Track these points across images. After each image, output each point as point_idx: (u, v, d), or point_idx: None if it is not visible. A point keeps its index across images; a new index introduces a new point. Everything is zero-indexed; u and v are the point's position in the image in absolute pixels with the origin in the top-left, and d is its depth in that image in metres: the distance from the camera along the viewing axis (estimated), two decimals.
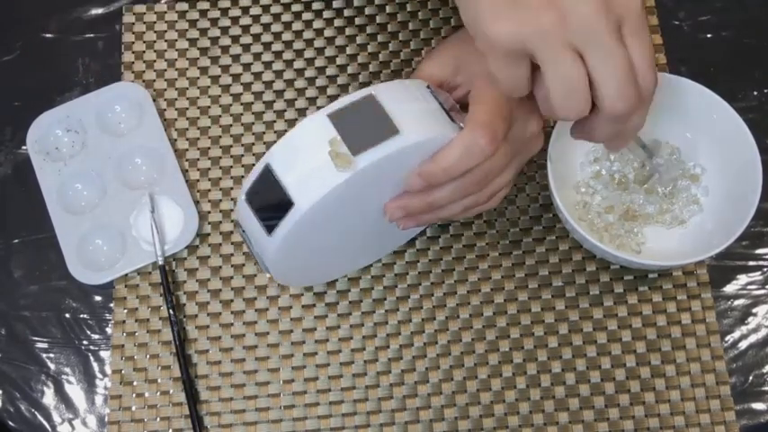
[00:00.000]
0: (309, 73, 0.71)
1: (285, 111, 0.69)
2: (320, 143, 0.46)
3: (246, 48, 0.71)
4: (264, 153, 0.66)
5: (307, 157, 0.47)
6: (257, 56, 0.71)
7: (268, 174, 0.48)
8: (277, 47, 0.71)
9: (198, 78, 0.70)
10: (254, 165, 0.68)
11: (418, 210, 0.53)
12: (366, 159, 0.46)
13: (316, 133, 0.47)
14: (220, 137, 0.69)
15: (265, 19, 0.72)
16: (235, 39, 0.72)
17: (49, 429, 0.62)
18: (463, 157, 0.49)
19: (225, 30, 0.72)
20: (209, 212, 0.67)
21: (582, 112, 0.44)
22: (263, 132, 0.69)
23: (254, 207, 0.49)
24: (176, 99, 0.70)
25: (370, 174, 0.47)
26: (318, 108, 0.69)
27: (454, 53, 0.55)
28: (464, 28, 0.58)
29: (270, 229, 0.49)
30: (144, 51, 0.71)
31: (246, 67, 0.71)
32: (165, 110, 0.70)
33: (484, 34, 0.42)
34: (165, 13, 0.73)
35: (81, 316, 0.65)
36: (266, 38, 0.72)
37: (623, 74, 0.42)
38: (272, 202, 0.48)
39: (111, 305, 0.65)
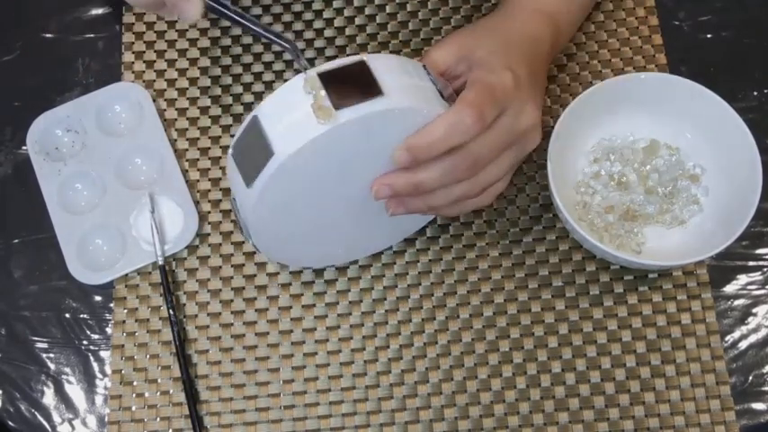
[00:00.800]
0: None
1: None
2: (306, 98, 0.48)
3: (247, 48, 0.71)
4: None
5: (292, 109, 0.48)
6: (257, 56, 0.71)
7: (255, 125, 0.49)
8: (277, 47, 0.71)
9: (198, 78, 0.70)
10: None
11: (405, 189, 0.53)
12: (347, 115, 0.47)
13: (304, 89, 0.48)
14: (220, 137, 0.69)
15: (266, 19, 0.72)
16: (235, 39, 0.72)
17: (49, 429, 0.62)
18: (448, 133, 0.50)
19: (225, 30, 0.72)
20: (209, 212, 0.67)
21: None
22: None
23: (238, 160, 0.50)
24: (176, 99, 0.70)
25: (352, 134, 0.48)
26: None
27: (459, 44, 0.56)
28: (471, 24, 0.59)
29: (250, 181, 0.49)
30: (144, 51, 0.71)
31: (246, 67, 0.71)
32: (165, 110, 0.70)
33: None
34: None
35: (81, 316, 0.65)
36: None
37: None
38: (255, 155, 0.49)
39: (111, 305, 0.65)
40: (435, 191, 0.54)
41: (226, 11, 0.50)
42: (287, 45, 0.52)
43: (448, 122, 0.50)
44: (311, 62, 0.70)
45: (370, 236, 0.62)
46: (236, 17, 0.50)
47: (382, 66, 0.49)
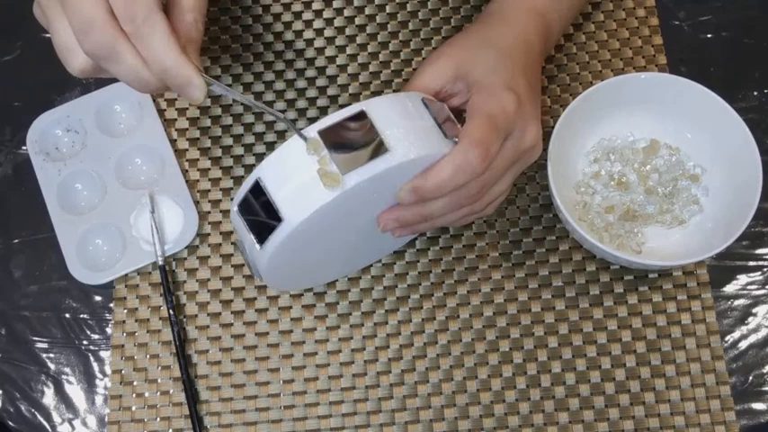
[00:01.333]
0: (310, 73, 0.71)
1: (285, 111, 0.69)
2: (310, 160, 0.46)
3: (247, 48, 0.71)
4: (265, 153, 0.66)
5: (296, 173, 0.47)
6: (258, 56, 0.71)
7: (258, 188, 0.48)
8: (278, 47, 0.71)
9: None
10: (254, 165, 0.68)
11: (412, 221, 0.53)
12: (355, 179, 0.46)
13: (306, 149, 0.47)
14: (220, 137, 0.69)
15: (266, 19, 0.72)
16: (235, 38, 0.72)
17: (49, 429, 0.62)
18: (454, 175, 0.49)
19: (225, 29, 0.72)
20: (209, 212, 0.67)
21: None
22: (264, 133, 0.69)
23: (246, 219, 0.50)
24: (176, 99, 0.70)
25: (360, 191, 0.47)
26: (318, 108, 0.69)
27: (454, 60, 0.54)
28: (463, 32, 0.58)
29: (260, 241, 0.49)
30: None
31: (247, 67, 0.71)
32: (164, 110, 0.70)
33: None
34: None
35: (81, 316, 0.65)
36: (267, 38, 0.72)
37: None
38: (262, 216, 0.48)
39: (111, 305, 0.65)
40: (442, 216, 0.54)
41: (227, 92, 0.49)
42: (280, 116, 0.50)
43: (454, 164, 0.49)
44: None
45: (371, 249, 0.63)
46: (238, 98, 0.50)
47: (383, 114, 0.48)
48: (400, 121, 0.48)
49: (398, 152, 0.47)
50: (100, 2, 0.44)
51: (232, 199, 0.67)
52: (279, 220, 0.47)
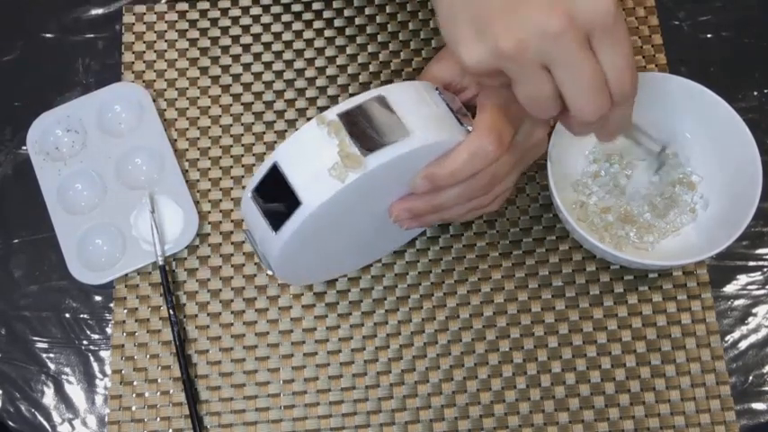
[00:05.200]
0: (309, 73, 0.71)
1: (285, 111, 0.69)
2: (329, 143, 0.46)
3: (247, 48, 0.71)
4: (265, 153, 0.66)
5: (315, 156, 0.47)
6: (257, 56, 0.71)
7: (275, 172, 0.48)
8: (277, 47, 0.71)
9: (198, 78, 0.70)
10: (254, 165, 0.68)
11: (423, 211, 0.53)
12: (376, 160, 0.46)
13: (324, 132, 0.47)
14: (220, 137, 0.69)
15: (266, 19, 0.72)
16: (235, 39, 0.72)
17: (49, 429, 0.62)
18: (470, 162, 0.49)
19: (225, 30, 0.72)
20: (209, 212, 0.67)
21: (551, 115, 0.47)
22: (264, 132, 0.69)
23: (260, 205, 0.49)
24: (176, 99, 0.70)
25: (379, 175, 0.47)
26: (318, 108, 0.69)
27: None
28: None
29: (276, 227, 0.48)
30: (144, 51, 0.71)
31: (246, 67, 0.71)
32: (165, 110, 0.70)
33: (461, 60, 0.45)
34: (165, 13, 0.73)
35: (81, 316, 0.65)
36: (266, 38, 0.72)
37: (587, 85, 0.44)
38: (278, 201, 0.48)
39: (111, 305, 0.65)
40: (452, 207, 0.54)
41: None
42: None
43: (469, 151, 0.49)
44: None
45: (379, 244, 0.63)
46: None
47: (401, 99, 0.48)
48: (418, 106, 0.48)
49: (418, 136, 0.47)
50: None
51: (232, 199, 0.67)
52: (297, 203, 0.47)
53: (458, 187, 0.51)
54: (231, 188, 0.67)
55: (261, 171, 0.49)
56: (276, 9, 0.73)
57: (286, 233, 0.48)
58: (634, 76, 0.45)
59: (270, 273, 0.54)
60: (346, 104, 0.47)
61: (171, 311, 0.63)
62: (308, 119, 0.69)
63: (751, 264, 0.65)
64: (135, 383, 0.62)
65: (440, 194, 0.52)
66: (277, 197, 0.48)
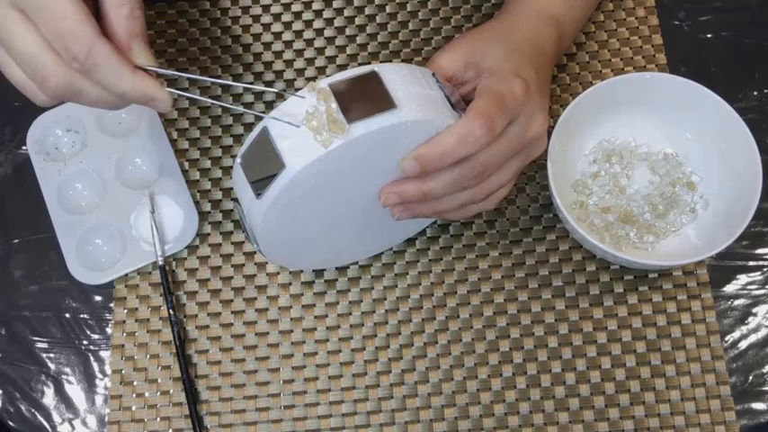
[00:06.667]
0: (310, 72, 0.71)
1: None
2: (317, 109, 0.47)
3: (247, 48, 0.71)
4: None
5: (303, 121, 0.47)
6: (257, 56, 0.71)
7: (264, 136, 0.48)
8: (277, 47, 0.71)
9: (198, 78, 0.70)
10: None
11: (413, 197, 0.53)
12: (360, 129, 0.47)
13: (314, 100, 0.47)
14: (220, 137, 0.69)
15: (266, 19, 0.72)
16: (235, 38, 0.72)
17: (49, 429, 0.62)
18: (458, 144, 0.50)
19: (225, 30, 0.72)
20: (209, 212, 0.67)
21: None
22: None
23: (247, 170, 0.50)
24: (176, 99, 0.70)
25: (364, 147, 0.48)
26: None
27: (466, 49, 0.56)
28: (476, 28, 0.59)
29: (259, 193, 0.49)
30: None
31: (247, 67, 0.71)
32: None
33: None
34: (166, 11, 0.73)
35: (81, 316, 0.65)
36: (266, 38, 0.72)
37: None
38: (264, 166, 0.48)
39: (111, 305, 0.65)
40: (443, 197, 0.54)
41: (195, 96, 0.50)
42: (274, 90, 0.52)
43: (458, 133, 0.49)
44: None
45: (374, 237, 0.62)
46: (199, 97, 0.51)
47: (393, 76, 0.49)
48: (410, 86, 0.49)
49: (405, 110, 0.48)
50: (44, 46, 0.44)
51: (233, 199, 0.67)
52: (281, 167, 0.47)
53: (447, 173, 0.51)
54: (231, 188, 0.67)
55: (251, 136, 0.49)
56: (276, 9, 0.73)
57: (269, 198, 0.49)
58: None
59: (255, 248, 0.54)
60: (339, 75, 0.48)
61: (171, 311, 0.63)
62: None
63: (751, 264, 0.65)
64: (135, 383, 0.62)
65: (429, 180, 0.52)
66: (264, 162, 0.48)
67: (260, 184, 0.49)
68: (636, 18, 0.71)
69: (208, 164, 0.68)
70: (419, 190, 0.52)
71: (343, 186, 0.52)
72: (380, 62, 0.71)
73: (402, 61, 0.71)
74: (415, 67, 0.51)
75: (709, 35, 0.71)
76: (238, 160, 0.50)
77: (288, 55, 0.71)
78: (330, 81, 0.48)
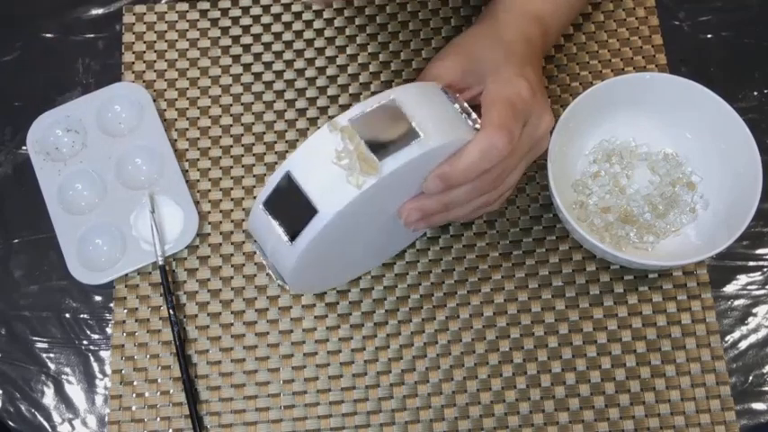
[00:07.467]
0: (310, 73, 0.71)
1: (285, 111, 0.69)
2: (343, 149, 0.46)
3: (247, 48, 0.71)
4: (265, 154, 0.66)
5: (329, 163, 0.46)
6: (257, 56, 0.71)
7: (288, 181, 0.47)
8: (277, 47, 0.71)
9: (198, 79, 0.70)
10: (254, 165, 0.68)
11: (434, 210, 0.53)
12: (390, 165, 0.46)
13: (337, 139, 0.46)
14: (221, 137, 0.69)
15: (266, 19, 0.72)
16: (235, 39, 0.72)
17: (49, 429, 0.62)
18: (481, 159, 0.50)
19: (225, 30, 0.72)
20: (210, 212, 0.67)
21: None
22: (264, 133, 0.69)
23: (274, 215, 0.49)
24: (176, 99, 0.70)
25: (393, 179, 0.47)
26: (319, 108, 0.69)
27: (461, 56, 0.55)
28: (464, 33, 0.59)
29: (292, 237, 0.48)
30: (144, 52, 0.71)
31: (247, 67, 0.71)
32: (165, 110, 0.70)
33: None
34: (166, 13, 0.73)
35: (81, 316, 0.65)
36: (266, 38, 0.72)
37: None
38: (293, 210, 0.48)
39: (111, 305, 0.65)
40: (461, 205, 0.54)
41: None
42: None
43: (480, 148, 0.49)
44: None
45: (384, 247, 0.63)
46: None
47: (410, 101, 0.48)
48: (428, 108, 0.49)
49: (431, 138, 0.47)
50: None
51: (232, 199, 0.67)
52: (313, 212, 0.47)
53: (469, 184, 0.52)
54: (231, 188, 0.67)
55: (272, 181, 0.48)
56: (276, 9, 0.73)
57: (303, 242, 0.48)
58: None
59: (280, 284, 0.53)
60: (357, 109, 0.47)
61: (171, 311, 0.63)
62: (309, 119, 0.69)
63: (751, 264, 0.65)
64: (135, 383, 0.62)
65: (449, 193, 0.52)
66: (292, 206, 0.47)
67: (291, 230, 0.48)
68: (636, 18, 0.71)
69: (208, 164, 0.68)
70: (440, 203, 0.53)
71: (371, 215, 0.52)
72: (380, 62, 0.71)
73: (402, 62, 0.71)
74: (423, 85, 0.51)
75: (709, 35, 0.71)
76: (260, 206, 0.49)
77: (288, 55, 0.71)
78: (351, 116, 0.47)
